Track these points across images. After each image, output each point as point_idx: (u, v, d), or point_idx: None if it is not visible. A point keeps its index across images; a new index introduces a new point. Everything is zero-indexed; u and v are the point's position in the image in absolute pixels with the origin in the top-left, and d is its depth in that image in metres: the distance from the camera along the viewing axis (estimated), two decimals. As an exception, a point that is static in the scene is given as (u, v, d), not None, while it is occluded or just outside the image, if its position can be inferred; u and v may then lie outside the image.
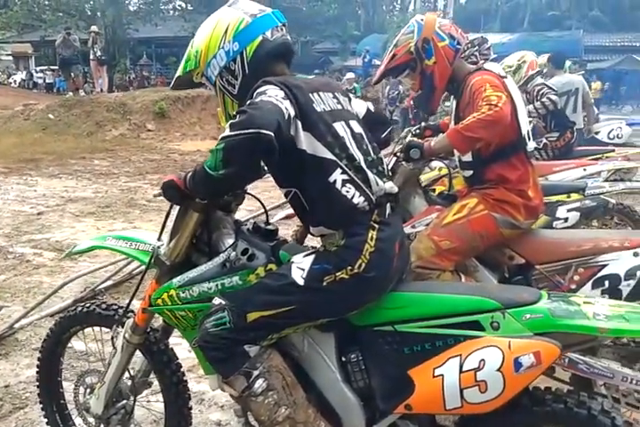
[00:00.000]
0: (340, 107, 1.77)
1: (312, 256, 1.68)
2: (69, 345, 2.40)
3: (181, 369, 2.12)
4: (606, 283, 2.33)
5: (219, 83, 1.80)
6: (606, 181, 3.89)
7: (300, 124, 1.61)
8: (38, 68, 26.62)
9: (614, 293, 2.30)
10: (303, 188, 1.68)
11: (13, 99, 18.07)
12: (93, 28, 16.11)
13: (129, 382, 2.12)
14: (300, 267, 1.66)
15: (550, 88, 4.91)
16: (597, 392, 2.25)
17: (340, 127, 1.70)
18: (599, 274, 2.35)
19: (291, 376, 1.68)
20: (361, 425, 1.68)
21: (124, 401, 2.11)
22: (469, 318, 1.57)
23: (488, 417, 1.56)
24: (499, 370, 1.47)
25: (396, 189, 1.80)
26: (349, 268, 1.62)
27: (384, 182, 1.75)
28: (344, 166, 1.66)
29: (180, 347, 2.53)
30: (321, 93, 1.72)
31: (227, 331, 1.64)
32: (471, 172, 2.59)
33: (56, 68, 21.32)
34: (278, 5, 25.16)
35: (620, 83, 26.77)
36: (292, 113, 1.58)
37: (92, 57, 15.18)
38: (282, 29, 1.80)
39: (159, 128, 13.09)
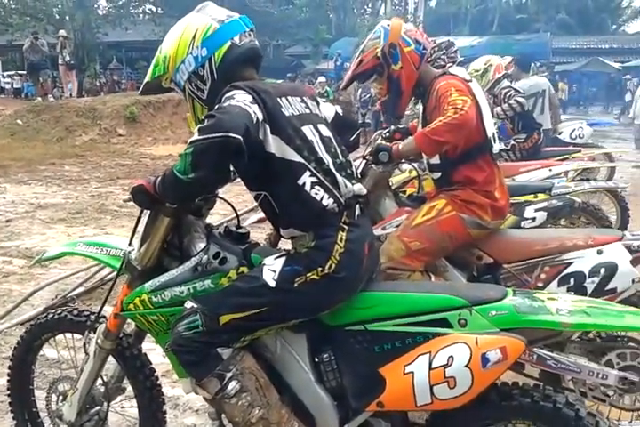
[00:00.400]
0: (308, 111, 1.80)
1: (283, 258, 1.71)
2: (41, 353, 2.37)
3: (155, 374, 2.12)
4: (572, 280, 2.39)
5: (188, 88, 1.81)
6: (572, 180, 3.99)
7: (268, 127, 1.63)
8: (5, 73, 25.84)
9: (579, 290, 2.36)
10: (273, 191, 1.71)
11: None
12: (62, 32, 15.92)
13: (102, 388, 2.11)
14: (271, 269, 1.68)
15: (517, 90, 5.02)
16: (565, 387, 2.32)
17: (308, 131, 1.73)
18: (564, 272, 2.41)
19: (264, 377, 1.69)
20: (334, 424, 1.70)
21: (98, 407, 2.10)
22: (437, 315, 1.60)
23: (457, 413, 1.59)
24: (467, 366, 1.50)
25: (364, 191, 1.83)
26: (320, 269, 1.64)
27: (353, 184, 1.78)
28: (313, 169, 1.68)
29: (154, 352, 2.52)
30: (289, 98, 1.75)
31: (199, 334, 1.65)
32: (439, 174, 2.64)
33: (24, 72, 20.98)
34: (249, 9, 25.16)
35: (587, 84, 27.33)
36: (261, 117, 1.60)
37: (60, 61, 14.99)
38: (250, 35, 1.82)
39: (130, 133, 12.97)
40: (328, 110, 2.02)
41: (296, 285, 1.65)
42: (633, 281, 2.34)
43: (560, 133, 7.05)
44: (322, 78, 16.24)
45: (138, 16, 28.23)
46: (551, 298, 1.63)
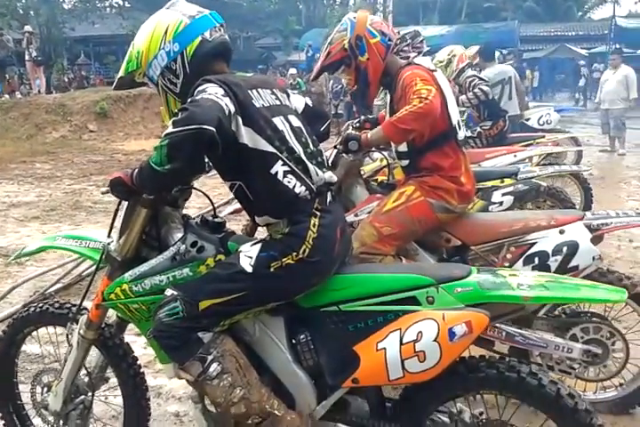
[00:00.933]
0: (278, 102, 1.86)
1: (259, 245, 1.77)
2: (23, 348, 2.41)
3: (137, 362, 2.17)
4: (536, 259, 2.49)
5: (161, 82, 1.87)
6: (537, 165, 4.11)
7: (240, 119, 1.69)
8: None
9: (544, 268, 2.45)
10: (247, 180, 1.77)
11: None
12: (27, 27, 15.58)
13: (86, 379, 2.16)
14: (247, 255, 1.74)
15: (482, 79, 5.16)
16: (533, 362, 2.43)
17: (279, 122, 1.80)
18: (529, 252, 2.50)
19: (243, 359, 1.76)
20: (312, 401, 1.78)
21: (83, 396, 2.15)
22: (407, 294, 1.68)
23: (429, 386, 1.69)
24: (435, 340, 1.58)
25: (335, 179, 1.91)
26: (294, 253, 1.71)
27: (324, 172, 1.85)
28: (284, 158, 1.75)
29: (136, 344, 2.58)
30: (259, 90, 1.81)
31: (180, 320, 1.71)
32: (407, 161, 2.72)
33: (-11, 70, 20.54)
34: (219, 1, 24.89)
35: (555, 71, 27.67)
36: (233, 109, 1.66)
37: (27, 58, 14.65)
38: (220, 30, 1.88)
39: (101, 128, 12.86)
40: (298, 102, 2.08)
41: (272, 269, 1.72)
42: (593, 258, 2.44)
43: (528, 120, 7.24)
44: (293, 70, 16.24)
45: (105, 10, 27.77)
46: (513, 274, 1.72)
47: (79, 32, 26.04)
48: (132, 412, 2.17)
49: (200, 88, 1.67)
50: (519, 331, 2.23)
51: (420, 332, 1.60)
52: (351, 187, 2.87)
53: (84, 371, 2.14)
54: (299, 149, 1.80)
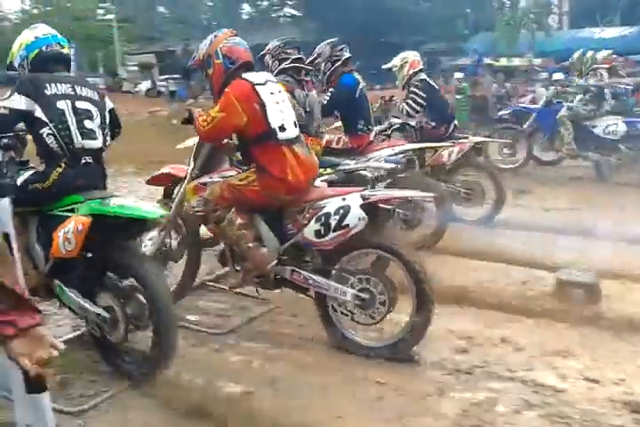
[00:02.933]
0: (72, 93, 2.80)
1: (30, 172, 2.77)
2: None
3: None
4: (323, 218, 2.99)
5: (20, 71, 2.94)
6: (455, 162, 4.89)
7: (33, 101, 2.68)
8: (161, 77, 26.48)
9: (327, 225, 2.97)
10: (35, 136, 2.77)
11: (140, 106, 17.50)
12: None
13: None
14: (24, 175, 2.79)
15: (429, 83, 5.54)
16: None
17: (62, 103, 2.75)
18: (320, 213, 3.01)
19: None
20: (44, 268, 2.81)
21: None
22: (70, 206, 2.74)
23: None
24: (72, 232, 2.57)
25: (95, 146, 2.84)
26: (41, 183, 2.74)
27: (83, 140, 2.77)
28: (51, 126, 2.71)
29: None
30: (58, 84, 2.77)
31: None
32: (239, 153, 3.35)
33: (177, 76, 22.85)
34: (386, 8, 25.31)
35: None
36: (24, 104, 2.66)
37: (189, 65, 16.34)
38: (57, 46, 2.91)
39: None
40: (109, 104, 3.03)
41: (30, 188, 2.74)
42: (359, 219, 2.95)
43: (594, 127, 7.50)
44: (458, 74, 15.30)
45: (278, 20, 30.10)
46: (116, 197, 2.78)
47: (256, 40, 28.50)
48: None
49: (9, 93, 2.69)
50: (313, 277, 3.05)
51: (69, 227, 2.60)
52: (215, 157, 3.55)
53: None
54: (72, 122, 2.75)
